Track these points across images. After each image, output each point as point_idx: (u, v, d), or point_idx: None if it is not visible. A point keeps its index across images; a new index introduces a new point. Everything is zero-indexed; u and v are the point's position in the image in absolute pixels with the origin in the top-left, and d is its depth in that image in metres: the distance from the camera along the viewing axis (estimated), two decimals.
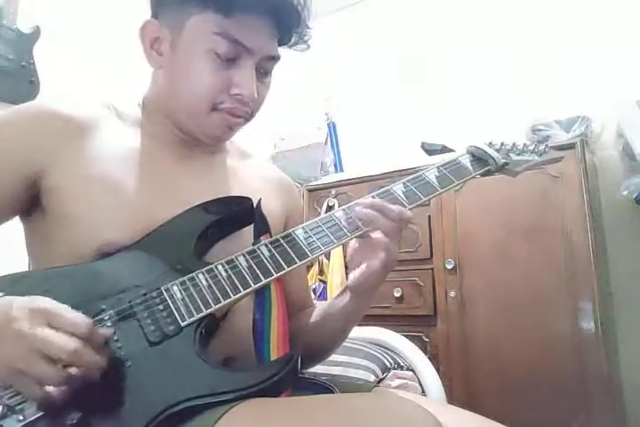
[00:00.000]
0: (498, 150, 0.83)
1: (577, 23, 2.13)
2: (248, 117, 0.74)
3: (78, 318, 0.52)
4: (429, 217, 1.90)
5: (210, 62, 0.68)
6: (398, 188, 0.74)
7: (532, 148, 0.88)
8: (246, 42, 0.67)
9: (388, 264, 0.68)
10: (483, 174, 0.81)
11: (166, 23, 0.71)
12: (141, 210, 0.67)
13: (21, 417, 0.50)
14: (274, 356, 0.65)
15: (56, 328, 0.50)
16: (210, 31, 0.67)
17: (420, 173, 0.77)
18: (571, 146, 1.71)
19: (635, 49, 1.97)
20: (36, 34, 1.84)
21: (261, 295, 0.67)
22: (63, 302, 0.54)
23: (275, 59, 0.73)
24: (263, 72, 0.73)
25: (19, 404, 0.51)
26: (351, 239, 0.69)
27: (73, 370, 0.50)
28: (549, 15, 2.21)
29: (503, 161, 0.81)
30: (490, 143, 0.84)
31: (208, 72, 0.68)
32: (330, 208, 2.16)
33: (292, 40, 0.75)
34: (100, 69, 2.02)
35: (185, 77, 0.69)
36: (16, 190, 0.66)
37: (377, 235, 0.68)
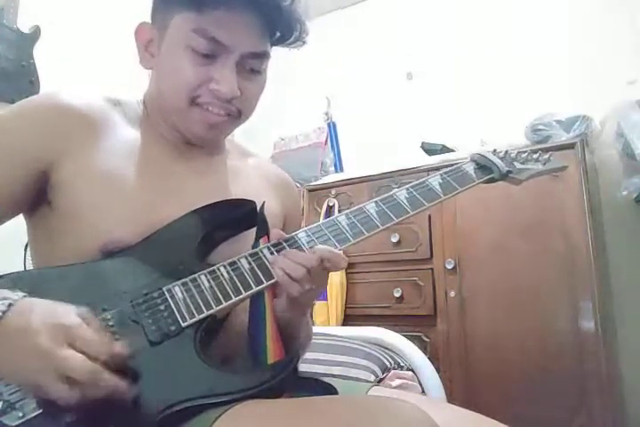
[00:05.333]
0: (502, 158, 0.83)
1: (577, 23, 2.14)
2: (235, 116, 0.73)
3: (99, 339, 0.51)
4: (429, 217, 1.89)
5: (189, 59, 0.68)
6: (401, 193, 0.74)
7: (535, 156, 0.88)
8: (223, 39, 0.67)
9: (292, 301, 0.66)
10: (486, 182, 0.82)
11: (156, 25, 0.72)
12: (145, 208, 0.67)
13: (21, 414, 0.51)
14: (270, 357, 0.65)
15: (77, 348, 0.49)
16: (188, 29, 0.67)
17: (424, 179, 0.77)
18: (571, 146, 1.72)
19: (635, 49, 1.97)
20: (36, 34, 1.84)
21: (255, 298, 0.67)
22: (66, 302, 0.54)
23: (260, 56, 0.71)
24: (249, 69, 0.71)
25: (19, 400, 0.51)
26: (353, 244, 0.69)
27: (89, 391, 0.49)
28: (550, 15, 2.21)
29: (507, 169, 0.81)
30: (494, 151, 0.84)
31: (187, 68, 0.68)
32: (330, 208, 2.16)
33: (292, 38, 0.73)
34: (100, 69, 2.02)
35: (166, 74, 0.71)
36: (26, 182, 0.65)
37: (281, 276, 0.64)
